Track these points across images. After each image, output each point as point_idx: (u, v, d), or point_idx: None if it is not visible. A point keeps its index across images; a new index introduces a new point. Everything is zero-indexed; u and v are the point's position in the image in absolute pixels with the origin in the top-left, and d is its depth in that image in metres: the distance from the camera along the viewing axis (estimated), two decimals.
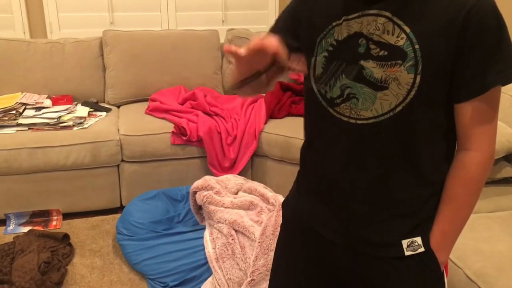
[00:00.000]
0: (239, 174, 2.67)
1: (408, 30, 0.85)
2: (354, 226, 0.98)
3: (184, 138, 2.63)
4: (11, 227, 2.51)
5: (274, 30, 1.04)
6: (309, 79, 0.99)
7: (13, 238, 2.32)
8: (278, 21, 1.06)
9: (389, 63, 0.86)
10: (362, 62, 0.89)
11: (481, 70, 0.85)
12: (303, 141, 1.10)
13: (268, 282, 1.49)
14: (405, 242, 0.96)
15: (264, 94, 3.03)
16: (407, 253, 0.96)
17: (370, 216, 0.97)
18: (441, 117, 0.91)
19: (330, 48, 0.93)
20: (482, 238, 1.68)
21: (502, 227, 1.76)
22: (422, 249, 0.96)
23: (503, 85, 0.86)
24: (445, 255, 0.98)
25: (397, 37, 0.86)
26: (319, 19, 0.95)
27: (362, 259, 1.00)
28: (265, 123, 2.76)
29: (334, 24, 0.92)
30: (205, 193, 2.21)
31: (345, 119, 0.93)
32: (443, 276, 1.01)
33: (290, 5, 1.05)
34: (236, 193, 2.36)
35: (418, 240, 0.96)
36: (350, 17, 0.91)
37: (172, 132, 2.64)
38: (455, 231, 0.96)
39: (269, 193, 2.29)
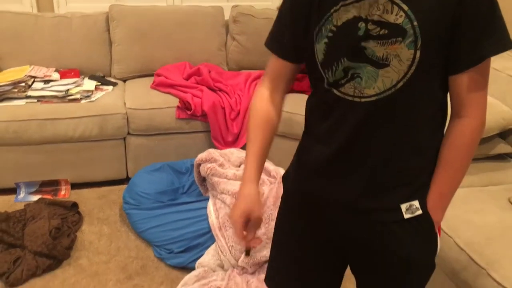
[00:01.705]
0: (242, 148, 2.75)
1: (406, 8, 0.90)
2: (356, 195, 1.05)
3: (189, 112, 2.70)
4: (21, 195, 2.60)
5: (278, 48, 1.12)
6: (313, 66, 1.04)
7: (24, 205, 2.41)
8: (278, 34, 1.11)
9: (389, 40, 0.91)
10: (363, 44, 0.94)
11: (476, 42, 0.91)
12: (304, 119, 1.15)
13: (268, 250, 1.55)
14: (404, 206, 1.04)
15: None
16: (406, 216, 1.04)
17: (373, 186, 1.04)
18: (438, 89, 0.97)
19: (330, 34, 0.97)
20: (473, 210, 1.76)
21: (493, 200, 1.84)
22: (419, 212, 1.04)
23: (497, 54, 0.93)
24: (441, 214, 1.06)
25: (396, 15, 0.90)
26: (317, 8, 0.99)
27: (362, 225, 1.07)
28: None
29: (332, 10, 0.96)
30: (209, 165, 2.29)
31: (350, 98, 0.98)
32: (437, 237, 1.09)
33: (286, 5, 1.07)
34: (239, 166, 2.44)
35: (416, 203, 1.04)
36: (347, 1, 0.95)
37: (177, 106, 2.71)
38: (450, 192, 1.05)
39: (271, 166, 2.37)
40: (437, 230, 1.08)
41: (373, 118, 0.98)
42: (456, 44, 0.92)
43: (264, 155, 1.12)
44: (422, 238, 1.07)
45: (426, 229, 1.06)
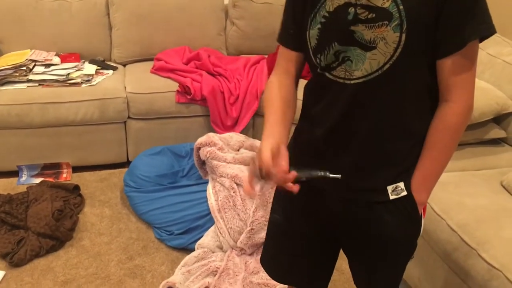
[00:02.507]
0: (241, 132, 2.79)
1: None
2: (347, 175, 1.08)
3: (189, 97, 2.73)
4: (23, 178, 2.64)
5: (285, 38, 1.14)
6: (308, 52, 1.08)
7: (27, 188, 2.45)
8: (286, 27, 1.13)
9: (376, 24, 0.95)
10: (352, 27, 0.98)
11: (458, 27, 0.94)
12: (302, 103, 1.18)
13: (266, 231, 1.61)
14: (390, 188, 1.08)
15: (266, 56, 3.10)
16: (391, 197, 1.08)
17: (361, 166, 1.08)
18: (425, 73, 1.00)
19: (323, 20, 1.01)
20: (466, 193, 1.81)
21: (486, 184, 1.88)
22: (404, 193, 1.08)
23: (478, 38, 0.96)
24: (425, 196, 1.09)
25: None
26: None
27: (350, 205, 1.12)
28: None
29: None
30: (209, 149, 2.33)
31: (341, 80, 1.02)
32: (421, 219, 1.13)
33: (288, 3, 1.12)
34: (238, 150, 2.48)
35: (401, 185, 1.08)
36: None
37: (177, 91, 2.74)
38: (434, 174, 1.08)
39: None
40: (421, 212, 1.12)
41: (360, 100, 1.02)
42: (440, 29, 0.95)
43: (282, 122, 1.09)
44: (406, 219, 1.11)
45: (409, 210, 1.10)
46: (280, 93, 1.13)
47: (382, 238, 1.12)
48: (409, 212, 1.10)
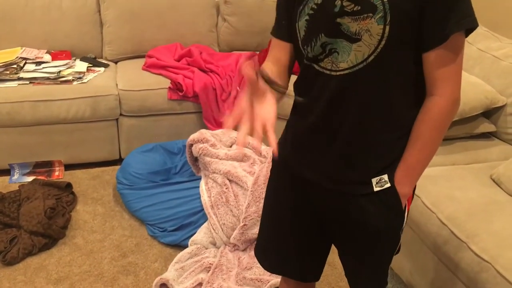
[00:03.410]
0: (233, 129, 2.78)
1: None
2: (330, 167, 1.11)
3: (180, 93, 2.73)
4: (15, 176, 2.63)
5: (277, 29, 1.15)
6: (295, 43, 1.09)
7: (19, 186, 2.45)
8: (279, 19, 1.15)
9: (361, 16, 0.96)
10: (338, 20, 0.99)
11: (441, 21, 0.95)
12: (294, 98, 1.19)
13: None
14: (374, 180, 1.10)
15: (258, 52, 3.11)
16: (375, 189, 1.09)
17: (346, 158, 1.09)
18: (411, 66, 1.02)
19: (311, 12, 1.03)
20: (456, 186, 1.82)
21: (476, 177, 1.90)
22: (388, 185, 1.09)
23: (461, 31, 0.96)
24: (408, 188, 1.10)
25: None
26: None
27: (336, 197, 1.14)
28: None
29: None
30: (201, 145, 2.34)
31: (328, 72, 1.04)
32: (404, 211, 1.15)
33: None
34: (230, 146, 2.48)
35: (385, 177, 1.09)
36: None
37: (169, 87, 2.74)
38: (418, 167, 1.09)
39: (262, 146, 2.42)
40: (405, 204, 1.13)
41: (346, 91, 1.03)
42: (424, 22, 0.96)
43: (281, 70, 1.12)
44: (389, 211, 1.12)
45: (393, 202, 1.11)
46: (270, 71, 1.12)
47: (367, 229, 1.14)
48: (393, 204, 1.11)
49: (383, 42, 0.97)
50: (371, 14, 0.95)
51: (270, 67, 1.11)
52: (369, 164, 1.09)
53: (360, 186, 1.10)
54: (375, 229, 1.13)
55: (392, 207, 1.12)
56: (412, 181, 1.11)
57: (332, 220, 1.19)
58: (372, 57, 0.98)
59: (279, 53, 1.16)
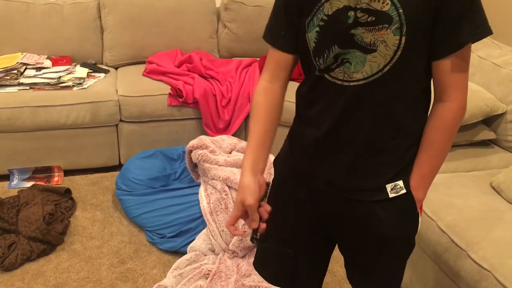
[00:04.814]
0: (233, 135, 2.79)
1: None
2: (344, 175, 1.10)
3: (180, 99, 2.73)
4: (14, 182, 2.63)
5: (275, 39, 1.13)
6: (305, 54, 1.08)
7: (18, 192, 2.44)
8: (277, 28, 1.13)
9: (376, 27, 0.96)
10: (352, 31, 0.98)
11: (455, 29, 0.96)
12: (295, 105, 1.19)
13: None
14: (389, 186, 1.09)
15: (258, 58, 3.11)
16: (391, 195, 1.09)
17: (359, 166, 1.09)
18: (422, 74, 1.03)
19: (321, 23, 1.02)
20: (456, 194, 1.82)
21: (476, 185, 1.90)
22: (404, 191, 1.10)
23: (476, 41, 0.98)
24: (423, 194, 1.11)
25: (383, 3, 0.95)
26: (308, 1, 1.04)
27: (348, 205, 1.12)
28: None
29: (323, 0, 1.01)
30: (201, 151, 2.33)
31: (339, 82, 1.03)
32: (418, 216, 1.15)
33: (278, 4, 1.11)
34: (230, 153, 2.48)
35: (400, 183, 1.09)
36: None
37: (169, 94, 2.74)
38: (433, 172, 1.10)
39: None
40: (418, 209, 1.14)
41: (360, 101, 1.03)
42: (437, 31, 0.97)
43: (263, 146, 1.13)
44: (404, 217, 1.12)
45: (408, 208, 1.11)
46: (266, 103, 1.14)
47: (379, 236, 1.13)
48: (407, 210, 1.11)
49: (399, 53, 0.97)
50: (386, 25, 0.95)
51: (270, 94, 1.16)
52: (381, 171, 1.09)
53: (374, 192, 1.10)
54: (388, 235, 1.13)
55: (408, 213, 1.12)
56: (427, 186, 1.11)
57: (341, 228, 1.18)
58: (388, 67, 0.98)
59: (277, 67, 1.15)
